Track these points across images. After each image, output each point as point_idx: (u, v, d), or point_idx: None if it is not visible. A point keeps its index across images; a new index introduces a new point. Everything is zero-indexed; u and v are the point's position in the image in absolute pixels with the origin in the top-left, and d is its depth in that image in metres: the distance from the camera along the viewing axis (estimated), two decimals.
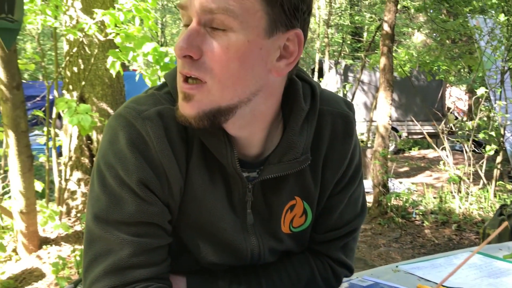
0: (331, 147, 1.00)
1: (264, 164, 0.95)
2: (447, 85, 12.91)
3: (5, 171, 4.23)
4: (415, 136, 12.23)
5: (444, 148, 5.90)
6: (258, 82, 0.84)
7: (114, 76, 4.13)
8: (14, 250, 3.76)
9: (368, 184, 6.58)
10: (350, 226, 1.07)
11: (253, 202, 0.97)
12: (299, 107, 0.93)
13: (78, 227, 4.26)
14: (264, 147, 0.95)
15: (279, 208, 1.00)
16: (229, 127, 0.88)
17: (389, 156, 5.81)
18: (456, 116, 13.06)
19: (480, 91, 5.81)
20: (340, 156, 1.01)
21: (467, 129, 5.95)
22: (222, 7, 0.76)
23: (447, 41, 8.66)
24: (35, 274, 3.47)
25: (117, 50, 3.49)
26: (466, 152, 5.73)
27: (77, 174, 4.67)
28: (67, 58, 4.55)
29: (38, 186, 3.82)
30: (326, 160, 1.01)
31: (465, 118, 13.39)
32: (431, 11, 6.69)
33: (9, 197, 3.84)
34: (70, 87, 4.64)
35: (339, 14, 14.99)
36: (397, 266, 1.36)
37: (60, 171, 4.56)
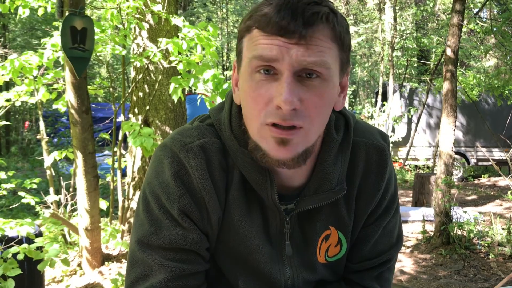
0: (365, 178, 1.02)
1: (299, 196, 0.99)
2: None
3: (74, 190, 4.49)
4: (485, 163, 11.67)
5: None
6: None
7: (175, 101, 4.32)
8: (79, 265, 3.97)
9: (430, 212, 6.36)
10: (384, 256, 1.08)
11: (290, 233, 1.01)
12: (330, 138, 0.97)
13: None
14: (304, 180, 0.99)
15: (314, 238, 1.02)
16: None
17: (455, 183, 5.59)
18: None
19: None
20: (374, 188, 1.03)
21: None
22: (320, 60, 0.82)
23: None
24: None
25: (179, 77, 3.66)
26: None
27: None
28: (134, 83, 4.81)
29: (103, 204, 4.02)
30: (360, 191, 1.03)
31: None
32: (499, 33, 6.44)
33: (76, 215, 4.07)
34: (136, 110, 4.89)
35: (404, 37, 14.73)
36: None
37: (124, 191, 4.79)
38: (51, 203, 4.43)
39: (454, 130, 5.18)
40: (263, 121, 0.84)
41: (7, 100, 4.02)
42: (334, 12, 0.85)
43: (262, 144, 0.87)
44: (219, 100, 3.54)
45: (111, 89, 4.31)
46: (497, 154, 10.69)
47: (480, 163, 11.76)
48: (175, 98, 3.52)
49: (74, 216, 4.51)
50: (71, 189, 4.83)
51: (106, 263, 4.00)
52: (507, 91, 8.22)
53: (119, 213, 4.68)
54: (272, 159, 0.86)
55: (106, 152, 8.16)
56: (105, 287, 3.68)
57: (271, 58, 0.82)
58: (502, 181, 10.31)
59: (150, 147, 3.33)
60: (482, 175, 11.40)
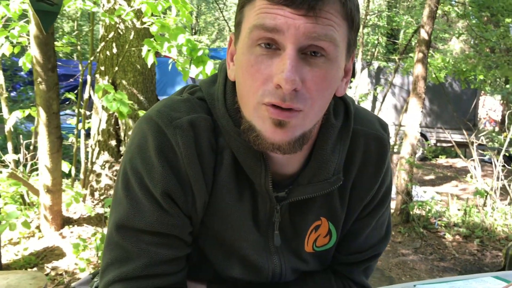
0: (362, 170, 0.97)
1: (293, 184, 0.93)
2: (482, 94, 12.62)
3: (35, 149, 4.33)
4: (444, 144, 12.01)
5: (473, 160, 5.78)
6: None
7: (147, 64, 4.17)
8: (38, 227, 3.85)
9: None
10: (373, 250, 1.06)
11: (279, 223, 0.95)
12: (328, 124, 0.91)
13: (100, 210, 4.33)
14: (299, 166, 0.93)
15: (304, 228, 0.98)
16: None
17: (417, 162, 5.72)
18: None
19: None
20: (371, 180, 0.98)
21: (498, 142, 5.80)
22: (329, 35, 0.74)
23: (486, 50, 8.44)
24: (56, 253, 3.55)
25: (151, 39, 3.52)
26: (496, 166, 5.60)
27: (104, 157, 4.74)
28: (103, 42, 4.60)
29: (65, 166, 3.89)
30: (355, 182, 0.97)
31: (497, 129, 13.08)
32: (472, 17, 6.51)
33: (37, 175, 3.93)
34: (103, 71, 4.71)
35: (377, 14, 14.76)
36: (414, 286, 1.33)
37: (87, 153, 4.65)
38: (9, 162, 4.25)
39: (422, 112, 5.26)
40: (260, 100, 0.76)
41: None
42: None
43: (257, 125, 0.79)
44: (193, 68, 3.43)
45: (78, 47, 4.12)
46: (456, 136, 11.01)
47: (439, 144, 12.09)
48: (149, 62, 3.39)
49: (33, 176, 4.35)
50: (31, 148, 4.65)
51: (67, 226, 3.90)
52: (472, 76, 8.39)
53: (81, 175, 4.56)
54: (266, 141, 0.78)
55: (68, 111, 7.90)
56: (65, 250, 3.60)
57: (274, 28, 0.73)
58: (460, 163, 10.66)
59: (126, 113, 3.22)
60: (440, 156, 11.74)
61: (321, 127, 0.90)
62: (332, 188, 0.92)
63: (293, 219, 0.96)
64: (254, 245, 0.95)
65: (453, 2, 9.38)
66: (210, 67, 3.44)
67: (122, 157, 0.90)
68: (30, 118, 4.84)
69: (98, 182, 4.70)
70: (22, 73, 9.72)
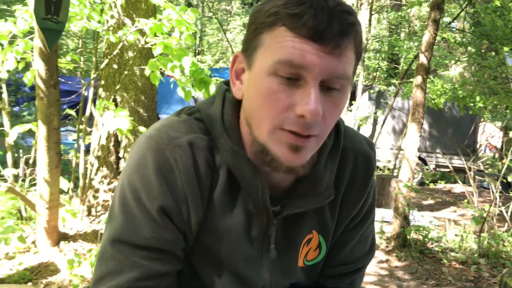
0: (350, 185, 1.02)
1: (287, 198, 0.96)
2: (482, 120, 12.67)
3: (34, 164, 4.35)
4: (443, 169, 12.01)
5: (470, 185, 5.79)
6: None
7: (148, 83, 4.22)
8: (33, 242, 3.85)
9: (389, 213, 6.50)
10: (358, 263, 1.10)
11: (274, 236, 0.98)
12: (323, 143, 0.93)
13: (97, 226, 4.33)
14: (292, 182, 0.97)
15: (298, 241, 1.01)
16: None
17: (415, 186, 5.73)
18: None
19: None
20: (358, 195, 1.03)
21: (497, 170, 5.82)
22: (346, 74, 0.80)
23: (485, 76, 8.52)
24: (51, 269, 3.54)
25: (154, 59, 3.57)
26: (493, 192, 5.60)
27: (102, 173, 4.76)
28: (106, 59, 4.66)
29: (65, 184, 3.90)
30: (344, 197, 1.02)
31: (497, 155, 13.08)
32: (470, 46, 6.60)
33: (34, 190, 3.94)
34: (105, 88, 4.76)
35: (378, 40, 14.92)
36: None
37: (86, 169, 4.67)
38: (8, 177, 4.27)
39: (420, 136, 5.29)
40: (278, 125, 0.80)
41: None
42: (359, 23, 0.82)
43: (273, 148, 0.83)
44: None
45: (81, 64, 4.18)
46: (456, 162, 11.01)
47: (438, 169, 12.10)
48: (155, 82, 3.44)
49: (31, 191, 4.37)
50: (30, 162, 4.68)
51: (63, 242, 3.90)
52: (471, 103, 8.44)
53: (79, 192, 4.57)
54: (282, 165, 0.84)
55: (70, 127, 7.94)
56: (60, 267, 3.59)
57: (301, 65, 0.76)
58: (459, 188, 10.66)
59: (126, 129, 3.25)
60: (439, 181, 11.73)
61: None
62: (325, 202, 0.97)
63: (287, 233, 0.99)
64: (246, 259, 0.97)
65: (453, 29, 9.51)
66: (213, 89, 3.49)
67: (120, 174, 0.93)
68: (31, 133, 4.88)
69: (95, 197, 4.71)
70: (26, 88, 9.81)
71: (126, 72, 4.54)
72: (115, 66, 4.69)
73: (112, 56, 4.54)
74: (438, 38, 7.01)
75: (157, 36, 3.69)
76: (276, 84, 0.79)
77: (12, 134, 3.79)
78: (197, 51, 21.41)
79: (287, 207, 0.95)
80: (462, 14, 8.46)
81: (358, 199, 1.03)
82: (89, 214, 4.63)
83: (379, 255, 5.20)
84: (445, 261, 4.95)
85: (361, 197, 1.03)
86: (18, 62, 3.77)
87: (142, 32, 4.05)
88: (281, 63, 0.77)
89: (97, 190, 4.74)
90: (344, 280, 1.09)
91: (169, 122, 0.94)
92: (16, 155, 5.03)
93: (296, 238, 1.00)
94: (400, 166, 6.01)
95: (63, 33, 3.68)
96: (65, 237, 4.02)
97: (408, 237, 5.24)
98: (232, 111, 0.93)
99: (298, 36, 0.76)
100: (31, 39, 3.67)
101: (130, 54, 4.69)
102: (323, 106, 0.79)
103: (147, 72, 3.38)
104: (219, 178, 0.92)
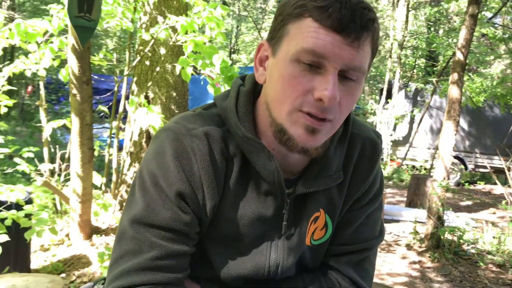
0: (357, 167, 1.08)
1: (299, 179, 1.03)
2: None
3: (69, 159, 4.47)
4: (482, 170, 11.64)
5: (509, 186, 5.58)
6: None
7: (179, 80, 4.25)
8: (67, 235, 3.96)
9: (422, 214, 6.35)
10: (364, 244, 1.12)
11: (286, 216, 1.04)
12: None
13: None
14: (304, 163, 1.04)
15: (306, 219, 1.06)
16: None
17: (451, 187, 5.57)
18: None
19: None
20: (363, 177, 1.09)
21: None
22: (363, 67, 0.87)
23: None
24: (83, 261, 3.64)
25: (185, 56, 3.59)
26: None
27: (134, 169, 4.85)
28: (138, 56, 4.74)
29: (98, 178, 3.99)
30: (351, 179, 1.08)
31: None
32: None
33: (69, 185, 4.05)
34: (138, 85, 4.84)
35: (415, 36, 14.59)
36: None
37: (119, 165, 4.76)
38: (45, 171, 4.41)
39: (455, 135, 5.14)
40: (297, 107, 0.87)
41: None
42: (377, 20, 0.89)
43: (291, 129, 0.89)
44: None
45: (114, 61, 4.26)
46: (496, 162, 10.66)
47: (477, 170, 11.74)
48: (186, 79, 3.46)
49: (66, 186, 4.49)
50: (66, 158, 4.81)
51: (95, 235, 4.00)
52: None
53: (112, 186, 4.67)
54: (297, 145, 0.90)
55: (107, 124, 8.13)
56: (91, 259, 3.68)
57: (323, 55, 0.83)
58: (499, 189, 10.30)
59: (158, 126, 3.31)
60: (478, 182, 11.39)
61: None
62: (333, 184, 1.04)
63: (297, 212, 1.05)
64: (256, 241, 1.03)
65: (495, 25, 9.19)
66: None
67: (140, 164, 0.98)
68: (69, 130, 5.02)
69: (128, 193, 4.79)
70: (67, 86, 10.10)
71: (158, 69, 4.60)
72: (147, 63, 4.77)
73: (144, 53, 4.61)
74: (477, 34, 6.79)
75: (188, 34, 3.72)
76: (298, 69, 0.86)
77: (47, 129, 3.91)
78: (232, 50, 21.52)
79: (299, 186, 1.01)
80: (504, 9, 8.16)
81: (363, 180, 1.08)
82: (121, 208, 4.72)
83: (411, 255, 5.09)
84: (481, 263, 4.80)
85: (366, 179, 1.09)
86: (54, 59, 3.88)
87: (174, 29, 4.09)
88: (304, 51, 0.84)
89: (129, 186, 4.82)
90: (348, 259, 1.11)
91: (185, 116, 1.01)
92: (52, 150, 5.19)
93: (305, 214, 1.06)
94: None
95: (102, 32, 3.76)
96: (97, 231, 4.12)
97: (442, 237, 5.10)
98: (246, 102, 1.00)
99: (322, 27, 0.83)
100: (66, 37, 3.77)
101: (162, 51, 4.74)
102: (340, 94, 0.86)
103: (178, 68, 3.41)
104: (233, 167, 0.99)
